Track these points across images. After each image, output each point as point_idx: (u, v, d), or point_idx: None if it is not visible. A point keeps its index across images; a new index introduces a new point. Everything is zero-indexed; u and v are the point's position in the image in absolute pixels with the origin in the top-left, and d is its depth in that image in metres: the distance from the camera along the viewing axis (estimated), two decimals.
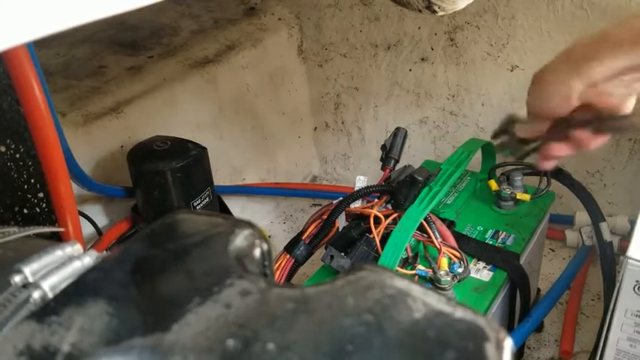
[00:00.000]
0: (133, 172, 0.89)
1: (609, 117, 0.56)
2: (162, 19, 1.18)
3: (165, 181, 0.86)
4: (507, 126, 0.65)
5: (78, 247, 0.28)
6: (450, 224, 0.72)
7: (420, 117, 1.24)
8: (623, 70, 0.53)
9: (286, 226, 1.26)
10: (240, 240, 0.27)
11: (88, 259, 0.27)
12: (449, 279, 0.61)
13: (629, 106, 0.56)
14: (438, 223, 0.69)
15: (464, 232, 0.73)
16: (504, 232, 0.73)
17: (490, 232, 0.73)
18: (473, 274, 0.66)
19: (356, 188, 0.71)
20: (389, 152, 0.75)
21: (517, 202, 0.77)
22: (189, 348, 0.21)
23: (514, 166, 0.80)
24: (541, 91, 0.59)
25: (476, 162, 0.79)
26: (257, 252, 0.27)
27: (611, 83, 0.54)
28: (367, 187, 0.70)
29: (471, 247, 0.69)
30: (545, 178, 0.78)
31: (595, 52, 0.55)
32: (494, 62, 1.09)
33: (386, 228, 0.67)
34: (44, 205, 0.68)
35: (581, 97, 0.56)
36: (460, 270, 0.63)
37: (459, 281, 0.63)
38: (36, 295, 0.25)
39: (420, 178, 0.68)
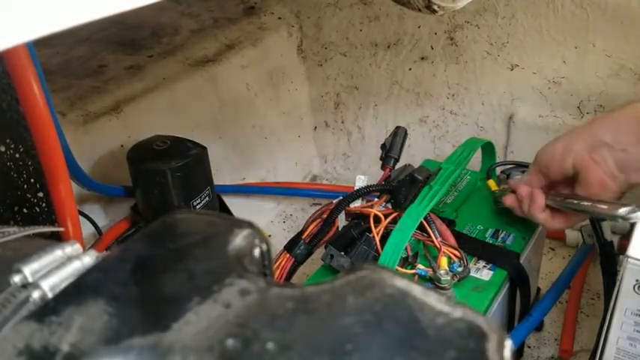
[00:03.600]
0: (132, 171, 0.89)
1: (575, 195, 0.62)
2: (162, 18, 1.17)
3: (165, 180, 0.86)
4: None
5: (77, 247, 0.28)
6: (450, 223, 0.72)
7: (420, 116, 1.24)
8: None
9: (286, 225, 1.26)
10: (239, 240, 0.27)
11: (88, 259, 0.27)
12: (449, 278, 0.61)
13: (608, 194, 0.60)
14: (438, 222, 0.69)
15: (464, 232, 0.73)
16: (504, 231, 0.73)
17: (490, 231, 0.73)
18: (473, 274, 0.66)
19: (356, 187, 0.71)
20: (389, 151, 0.75)
21: None
22: (189, 347, 0.21)
23: (513, 165, 0.80)
24: (548, 146, 0.65)
25: (476, 161, 0.79)
26: (256, 251, 0.27)
27: (605, 150, 0.59)
28: (367, 187, 0.70)
29: (471, 247, 0.69)
30: None
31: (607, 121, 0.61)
32: (494, 61, 1.09)
33: (386, 227, 0.67)
34: (44, 204, 0.68)
35: (576, 161, 0.61)
36: (460, 269, 0.63)
37: (458, 280, 0.63)
38: (35, 295, 0.25)
39: (420, 178, 0.68)
